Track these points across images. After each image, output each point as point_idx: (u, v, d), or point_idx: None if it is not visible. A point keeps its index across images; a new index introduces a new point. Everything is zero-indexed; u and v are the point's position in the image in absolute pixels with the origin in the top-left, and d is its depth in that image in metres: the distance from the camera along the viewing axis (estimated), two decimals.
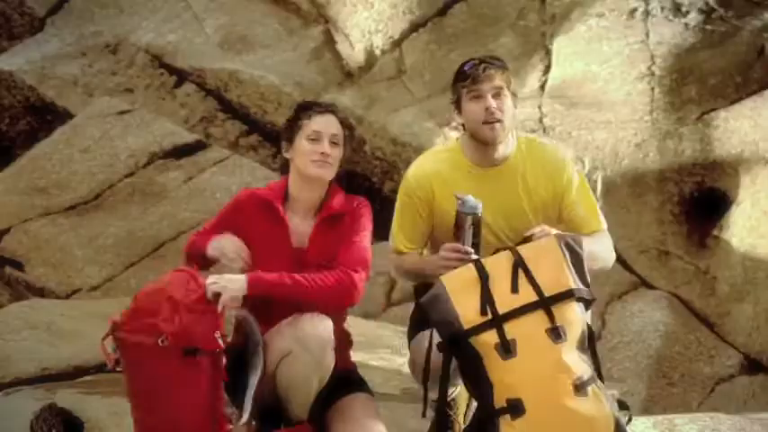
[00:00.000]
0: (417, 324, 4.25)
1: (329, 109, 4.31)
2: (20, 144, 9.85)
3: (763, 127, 8.65)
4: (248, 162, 9.23)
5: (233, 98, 9.87)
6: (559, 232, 4.09)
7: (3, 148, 9.96)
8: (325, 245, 4.21)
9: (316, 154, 4.18)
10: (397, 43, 10.09)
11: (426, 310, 3.97)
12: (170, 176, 8.94)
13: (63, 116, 9.75)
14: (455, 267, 4.00)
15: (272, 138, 9.76)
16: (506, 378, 3.80)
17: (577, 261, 3.98)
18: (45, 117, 9.93)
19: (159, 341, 3.81)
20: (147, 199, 8.76)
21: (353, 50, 10.16)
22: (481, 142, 4.29)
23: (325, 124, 4.24)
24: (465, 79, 4.27)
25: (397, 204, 4.39)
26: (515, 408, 3.77)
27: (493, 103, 4.23)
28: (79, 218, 8.65)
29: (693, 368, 8.25)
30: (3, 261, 8.29)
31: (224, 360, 3.88)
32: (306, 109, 4.30)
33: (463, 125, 4.37)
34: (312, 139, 4.20)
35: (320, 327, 3.99)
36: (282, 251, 4.20)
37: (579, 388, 3.80)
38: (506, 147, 4.32)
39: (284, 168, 4.35)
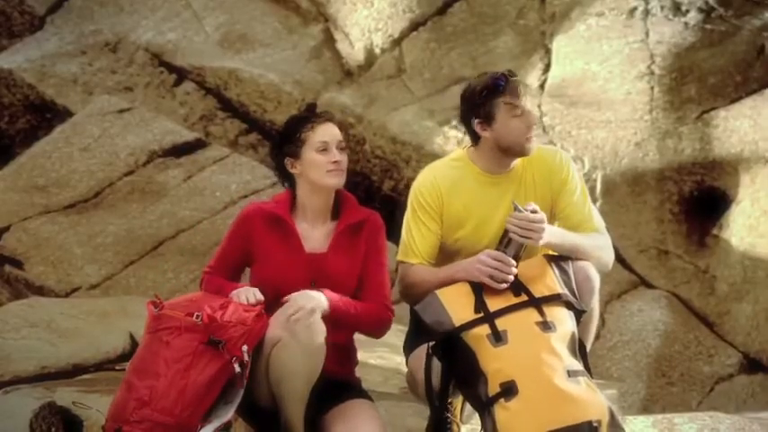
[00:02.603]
0: (414, 337, 4.28)
1: (328, 117, 4.38)
2: (19, 142, 9.85)
3: (763, 126, 8.65)
4: (248, 161, 9.22)
5: (233, 96, 9.87)
6: (547, 253, 4.18)
7: (2, 146, 9.95)
8: (345, 252, 4.30)
9: (329, 164, 4.26)
10: (396, 42, 10.08)
11: (419, 314, 4.06)
12: (170, 175, 8.93)
13: (63, 114, 9.75)
14: (492, 277, 4.03)
15: (271, 136, 9.75)
16: (498, 364, 3.86)
17: (566, 276, 4.11)
18: (44, 115, 9.92)
19: (195, 316, 3.97)
20: (146, 197, 8.76)
21: (353, 49, 10.16)
22: (514, 155, 4.32)
23: (330, 133, 4.31)
24: (502, 92, 4.28)
25: (407, 218, 4.40)
26: (509, 389, 3.82)
27: (534, 118, 4.30)
28: (79, 216, 8.65)
29: (693, 367, 8.25)
30: (2, 259, 8.29)
31: (236, 370, 3.94)
32: (304, 121, 4.36)
33: (476, 136, 4.37)
34: (322, 150, 4.27)
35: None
36: (297, 258, 4.27)
37: (571, 374, 3.84)
38: None
39: (286, 182, 4.40)
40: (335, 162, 4.26)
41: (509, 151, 4.32)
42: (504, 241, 4.10)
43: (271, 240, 4.28)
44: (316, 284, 4.23)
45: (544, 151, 4.44)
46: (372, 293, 4.32)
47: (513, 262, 4.06)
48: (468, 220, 4.33)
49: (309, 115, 4.46)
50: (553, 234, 4.15)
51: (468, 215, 4.34)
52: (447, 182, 4.37)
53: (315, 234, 4.32)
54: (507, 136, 4.30)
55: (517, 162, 4.38)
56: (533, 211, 4.08)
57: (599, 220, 4.40)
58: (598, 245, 4.29)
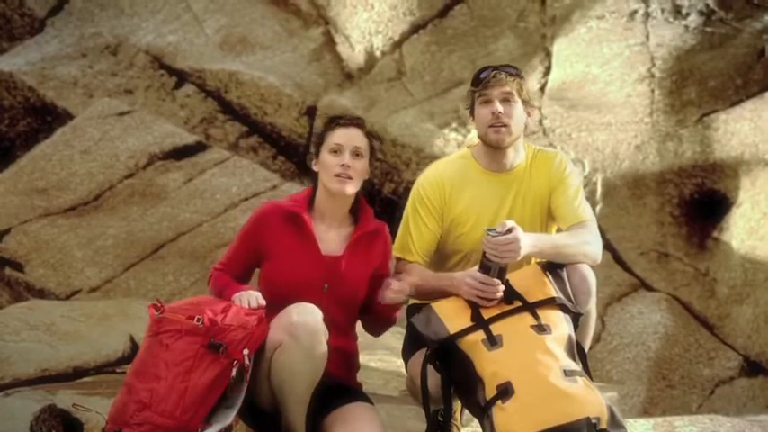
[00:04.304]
0: (411, 344, 4.29)
1: (353, 122, 4.36)
2: (20, 145, 9.85)
3: (763, 129, 8.65)
4: (248, 163, 9.22)
5: (233, 99, 9.87)
6: (540, 260, 4.19)
7: (3, 149, 9.96)
8: (359, 258, 4.30)
9: (337, 167, 4.24)
10: (397, 45, 10.09)
11: (415, 326, 4.08)
12: (170, 178, 8.94)
13: (63, 117, 9.75)
14: (478, 297, 4.04)
15: (271, 139, 9.76)
16: (494, 367, 3.86)
17: (560, 281, 4.11)
18: (45, 118, 9.93)
19: (196, 320, 3.97)
20: (146, 200, 8.76)
21: (353, 52, 10.17)
22: (489, 146, 4.34)
23: (346, 137, 4.29)
24: (477, 84, 4.33)
25: (407, 212, 4.41)
26: (505, 391, 3.82)
27: (500, 107, 4.30)
28: (79, 219, 8.65)
29: (693, 370, 8.24)
30: (2, 262, 8.29)
31: (234, 374, 3.94)
32: (331, 122, 4.38)
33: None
34: (334, 152, 4.27)
35: (309, 316, 4.01)
36: (313, 259, 4.26)
37: (568, 374, 3.83)
38: (517, 154, 4.39)
39: (311, 179, 4.41)
40: (343, 166, 4.23)
41: (484, 141, 4.36)
42: (484, 264, 4.09)
43: (286, 239, 4.27)
44: (329, 287, 4.23)
45: (545, 153, 4.46)
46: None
47: (497, 281, 4.05)
48: (470, 219, 4.34)
49: (340, 117, 4.46)
50: (532, 245, 4.11)
51: (469, 214, 4.35)
52: (452, 180, 4.38)
53: (331, 236, 4.31)
54: (477, 126, 4.37)
55: (520, 162, 4.39)
56: (509, 230, 4.05)
57: (586, 211, 4.36)
58: (582, 240, 4.24)
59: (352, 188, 4.27)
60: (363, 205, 4.37)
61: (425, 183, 4.41)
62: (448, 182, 4.38)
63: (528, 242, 4.07)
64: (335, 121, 4.36)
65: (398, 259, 4.39)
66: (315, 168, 4.34)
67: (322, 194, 4.32)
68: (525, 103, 4.37)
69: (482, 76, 4.34)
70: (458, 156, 4.51)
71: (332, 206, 4.31)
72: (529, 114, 4.39)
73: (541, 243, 4.16)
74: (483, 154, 4.40)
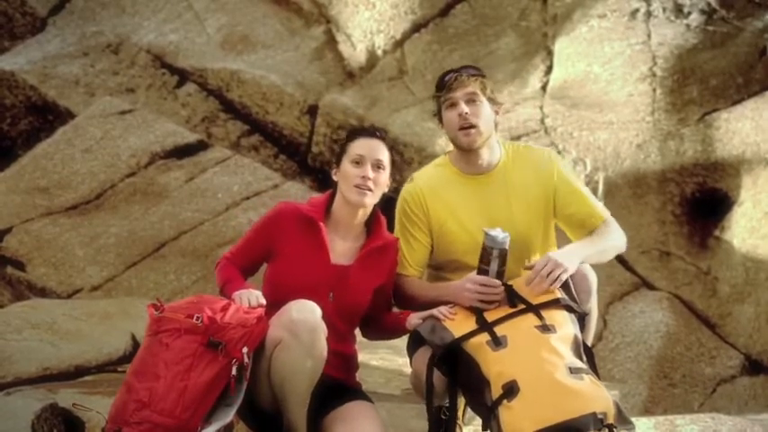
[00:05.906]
0: (415, 342, 4.29)
1: (377, 134, 4.35)
2: (21, 144, 9.86)
3: (765, 128, 8.65)
4: (250, 162, 9.23)
5: (234, 98, 9.88)
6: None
7: (4, 147, 9.96)
8: (368, 269, 4.30)
9: (357, 178, 4.24)
10: (398, 43, 10.09)
11: (419, 332, 4.10)
12: (171, 176, 8.94)
13: (64, 116, 9.76)
14: (480, 300, 4.04)
15: (273, 138, 9.76)
16: (500, 367, 3.87)
17: (564, 284, 4.10)
18: (46, 117, 9.93)
19: (195, 318, 3.97)
20: (148, 199, 8.76)
21: (355, 51, 10.17)
22: (460, 149, 4.34)
23: (369, 148, 4.29)
24: (441, 89, 4.33)
25: (396, 228, 4.43)
26: (511, 389, 3.82)
27: (465, 108, 4.29)
28: (80, 218, 8.65)
29: (695, 369, 8.24)
30: (4, 261, 8.30)
31: (233, 372, 3.93)
32: (354, 133, 4.38)
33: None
34: (356, 163, 4.27)
35: (308, 313, 4.01)
36: (321, 266, 4.27)
37: (573, 371, 3.83)
38: (492, 153, 4.38)
39: (330, 185, 4.42)
40: (364, 177, 4.23)
41: (455, 145, 4.36)
42: (481, 268, 4.09)
43: (298, 242, 4.28)
44: (334, 296, 4.24)
45: (530, 149, 4.46)
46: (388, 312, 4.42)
47: (497, 282, 4.07)
48: (455, 225, 4.34)
49: (363, 128, 4.47)
50: (569, 261, 4.13)
51: (453, 217, 4.35)
52: (431, 189, 4.39)
53: (343, 246, 4.32)
54: (447, 130, 4.37)
55: (499, 160, 4.38)
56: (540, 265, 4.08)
57: (599, 207, 4.39)
58: (610, 237, 4.31)
59: (371, 200, 4.28)
60: (378, 218, 4.38)
61: (407, 196, 4.42)
62: (428, 191, 4.38)
63: (567, 257, 4.10)
64: (358, 132, 4.37)
65: (396, 273, 4.40)
66: (335, 178, 4.34)
67: (339, 203, 4.33)
68: (491, 101, 4.36)
69: (445, 79, 4.34)
70: (435, 164, 4.51)
71: (348, 216, 4.31)
72: (497, 112, 4.39)
73: (577, 253, 4.18)
74: (458, 158, 4.40)
